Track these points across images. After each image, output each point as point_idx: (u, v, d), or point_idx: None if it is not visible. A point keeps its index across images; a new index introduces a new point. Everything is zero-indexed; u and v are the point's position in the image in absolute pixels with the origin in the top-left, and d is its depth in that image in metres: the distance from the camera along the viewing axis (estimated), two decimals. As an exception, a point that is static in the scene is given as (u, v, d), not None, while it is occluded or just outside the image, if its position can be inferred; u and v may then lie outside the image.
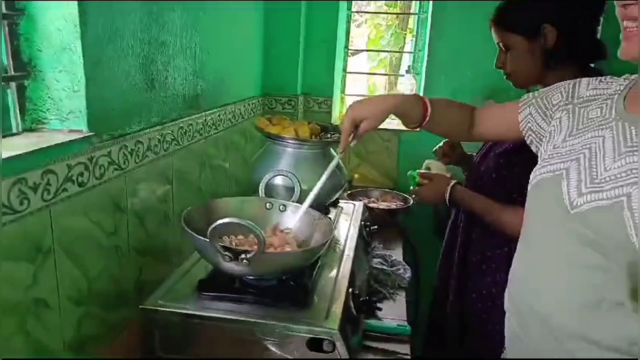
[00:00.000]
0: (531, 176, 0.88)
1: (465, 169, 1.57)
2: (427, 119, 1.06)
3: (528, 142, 1.00)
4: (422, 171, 1.49)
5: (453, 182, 1.35)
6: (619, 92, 0.83)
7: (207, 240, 0.83)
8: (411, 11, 2.52)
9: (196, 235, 0.86)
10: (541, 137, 0.95)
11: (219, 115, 1.57)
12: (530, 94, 1.03)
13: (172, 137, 1.24)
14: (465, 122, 1.12)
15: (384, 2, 3.31)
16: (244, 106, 1.85)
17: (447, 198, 1.33)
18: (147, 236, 1.15)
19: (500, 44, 1.26)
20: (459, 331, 1.37)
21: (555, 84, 0.97)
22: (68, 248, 0.86)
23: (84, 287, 0.92)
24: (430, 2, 2.14)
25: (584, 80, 0.92)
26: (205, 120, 1.46)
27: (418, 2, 2.29)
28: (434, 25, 2.13)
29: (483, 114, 1.12)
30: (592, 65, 1.20)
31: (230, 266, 0.86)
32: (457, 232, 1.40)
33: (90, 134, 0.90)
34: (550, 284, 0.78)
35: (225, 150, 1.66)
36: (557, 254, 0.78)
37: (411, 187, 1.48)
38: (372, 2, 2.68)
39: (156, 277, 1.18)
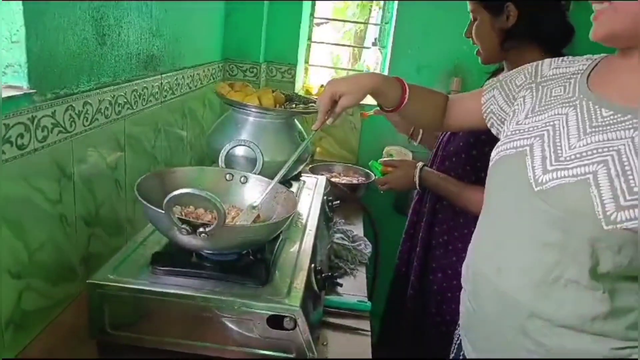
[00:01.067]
0: (493, 153, 0.87)
1: (429, 147, 1.56)
2: (405, 102, 1.02)
3: (489, 125, 0.99)
4: (385, 159, 1.45)
5: (420, 164, 1.34)
6: (582, 71, 0.83)
7: (163, 211, 0.77)
8: (379, -18, 2.46)
9: (150, 205, 0.80)
10: (502, 119, 0.95)
11: (176, 79, 1.48)
12: (495, 78, 1.02)
13: (125, 100, 1.15)
14: (440, 111, 1.09)
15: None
16: (203, 71, 1.75)
17: (417, 182, 1.32)
18: (95, 205, 1.07)
19: (471, 14, 1.23)
20: (420, 309, 1.38)
21: (520, 67, 0.96)
22: (6, 216, 0.78)
23: (25, 258, 0.84)
24: (399, -27, 2.08)
25: (547, 60, 0.92)
26: (162, 83, 1.37)
27: (387, -27, 2.24)
28: (401, -3, 2.09)
29: (453, 104, 1.10)
30: (561, 50, 1.20)
31: (188, 240, 0.81)
32: (422, 211, 1.40)
33: (31, 91, 0.81)
34: (510, 260, 0.79)
35: (182, 117, 1.57)
36: (519, 230, 0.78)
37: (374, 177, 1.45)
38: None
39: (105, 250, 1.11)
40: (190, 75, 1.61)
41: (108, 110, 1.07)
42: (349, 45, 3.05)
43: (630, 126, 0.70)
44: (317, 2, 2.28)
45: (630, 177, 0.66)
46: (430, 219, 1.36)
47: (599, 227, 0.67)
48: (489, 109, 0.98)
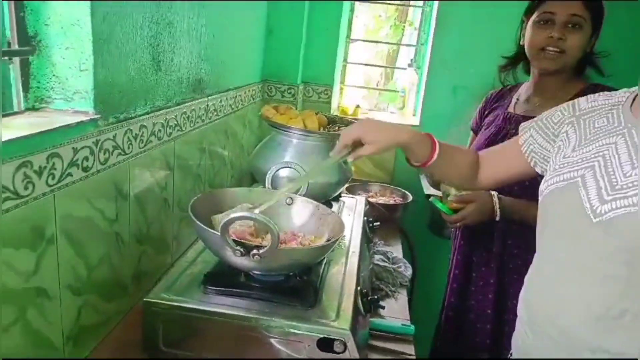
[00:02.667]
0: (541, 187, 0.86)
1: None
2: (433, 160, 0.99)
3: (532, 164, 0.97)
4: (458, 197, 1.33)
5: (495, 194, 1.28)
6: (622, 102, 0.83)
7: (218, 234, 0.79)
8: (415, 4, 2.48)
9: (206, 227, 0.83)
10: (545, 157, 0.94)
11: (220, 101, 1.52)
12: (527, 122, 1.01)
13: (175, 122, 1.20)
14: (470, 169, 1.06)
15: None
16: (244, 92, 1.80)
17: (498, 213, 1.27)
18: (146, 224, 1.11)
19: (573, 18, 1.21)
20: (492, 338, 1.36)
21: (552, 108, 0.96)
22: (71, 235, 0.82)
23: (84, 275, 0.88)
24: (436, -3, 2.10)
25: (582, 97, 0.92)
26: (208, 105, 1.41)
27: (422, -5, 2.26)
28: (438, 20, 2.10)
29: (487, 157, 1.08)
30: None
31: (241, 261, 0.83)
32: (476, 237, 1.39)
33: (96, 116, 0.85)
34: (570, 295, 0.77)
35: (224, 137, 1.62)
36: (579, 263, 0.77)
37: (444, 214, 1.34)
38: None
39: (153, 267, 1.15)
40: (233, 97, 1.65)
41: (161, 132, 1.12)
42: (383, 66, 3.07)
43: None
44: (352, 21, 2.32)
45: None
46: (501, 246, 1.34)
47: None
48: (529, 149, 0.97)
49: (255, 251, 0.80)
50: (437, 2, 2.09)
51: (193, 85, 1.30)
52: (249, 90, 1.85)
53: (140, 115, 1.01)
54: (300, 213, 1.06)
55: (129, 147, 0.97)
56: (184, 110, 1.24)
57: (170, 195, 1.22)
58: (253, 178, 1.63)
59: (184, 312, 0.84)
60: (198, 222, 0.85)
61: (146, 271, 1.12)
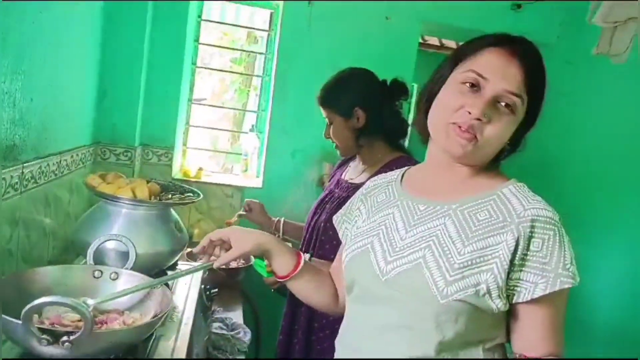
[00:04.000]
0: (343, 255, 0.98)
1: (296, 238, 1.67)
2: (294, 274, 1.00)
3: None
4: None
5: (307, 256, 1.40)
6: (394, 179, 1.01)
7: (19, 322, 0.72)
8: (255, 73, 2.63)
9: (7, 316, 0.74)
10: None
11: (39, 167, 1.39)
12: (337, 214, 1.09)
13: (-22, 194, 1.07)
14: (332, 292, 1.06)
15: (229, 58, 3.40)
16: (71, 156, 1.67)
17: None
18: None
19: (327, 119, 1.43)
20: None
21: (352, 197, 1.08)
22: None
23: None
24: (274, 65, 2.26)
25: (371, 179, 1.08)
26: (23, 173, 1.29)
27: (263, 63, 2.41)
28: (276, 88, 2.26)
29: (335, 270, 1.07)
30: (400, 140, 1.47)
31: (49, 350, 0.75)
32: None
33: None
34: (369, 344, 0.88)
35: (44, 205, 1.47)
36: (372, 321, 0.88)
37: (263, 277, 1.40)
38: (218, 56, 2.74)
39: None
40: (57, 162, 1.53)
41: (-43, 206, 0.98)
42: (227, 130, 3.14)
43: (441, 215, 0.87)
44: (195, 83, 2.36)
45: (449, 255, 0.81)
46: None
47: (437, 302, 0.79)
48: (346, 238, 1.04)
49: (65, 338, 0.74)
50: (275, 68, 2.25)
51: (4, 152, 1.18)
52: (76, 155, 1.73)
53: None
54: (126, 287, 1.00)
55: None
56: (-10, 180, 1.11)
57: (-32, 278, 1.06)
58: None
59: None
60: (-5, 312, 0.75)
61: None
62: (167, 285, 1.06)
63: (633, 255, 1.47)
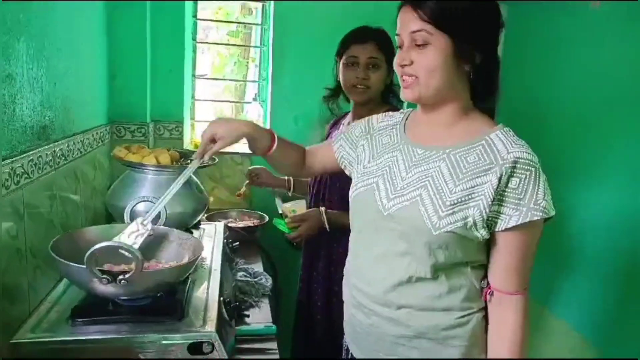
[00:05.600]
0: (350, 191, 1.12)
1: (302, 193, 1.82)
2: (272, 150, 1.19)
3: (342, 167, 1.24)
4: (293, 217, 1.63)
5: (322, 209, 1.57)
6: (398, 123, 1.13)
7: (84, 266, 0.87)
8: (252, 42, 2.72)
9: (70, 262, 0.89)
10: (351, 162, 1.20)
11: (68, 146, 1.54)
12: (339, 130, 1.28)
13: (23, 170, 1.21)
14: (300, 160, 1.29)
15: (225, 32, 3.47)
16: (92, 135, 1.81)
17: (327, 225, 1.56)
18: (1, 275, 1.10)
19: (371, 60, 1.56)
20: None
21: (355, 122, 1.25)
22: None
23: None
24: (271, 35, 2.36)
25: (374, 116, 1.21)
26: (55, 151, 1.43)
27: (259, 34, 2.51)
28: (275, 56, 2.36)
29: (310, 153, 1.31)
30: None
31: (108, 289, 0.91)
32: (318, 242, 1.65)
33: (-60, 170, 0.86)
34: (374, 272, 1.03)
35: (75, 181, 1.62)
36: (377, 247, 1.02)
37: (285, 233, 1.64)
38: (215, 30, 2.82)
39: (10, 320, 1.13)
40: (80, 141, 1.67)
41: (8, 182, 1.13)
42: (231, 101, 3.25)
43: (436, 159, 0.99)
44: (197, 59, 2.47)
45: (442, 194, 0.94)
46: (329, 249, 1.61)
47: (430, 233, 0.93)
48: (340, 155, 1.23)
49: (121, 276, 0.89)
50: (272, 37, 2.35)
51: (38, 132, 1.32)
52: (96, 133, 1.86)
53: (-16, 166, 1.03)
54: (161, 242, 1.16)
55: (-25, 199, 0.98)
56: (31, 157, 1.25)
57: (22, 244, 1.22)
58: (108, 219, 1.66)
59: (54, 346, 0.89)
60: (62, 260, 0.90)
61: (3, 324, 1.10)
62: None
63: (622, 193, 1.60)
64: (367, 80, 1.55)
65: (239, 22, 2.98)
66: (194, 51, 2.42)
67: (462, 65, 0.95)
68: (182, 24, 2.25)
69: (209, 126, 1.14)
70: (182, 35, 2.26)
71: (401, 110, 1.17)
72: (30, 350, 0.87)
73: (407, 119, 1.12)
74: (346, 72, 1.58)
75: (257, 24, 2.51)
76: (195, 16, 2.39)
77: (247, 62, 3.64)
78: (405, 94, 0.99)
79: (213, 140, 1.13)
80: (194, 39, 2.40)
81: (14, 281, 1.17)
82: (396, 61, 0.98)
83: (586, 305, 1.75)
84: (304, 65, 2.34)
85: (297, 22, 2.30)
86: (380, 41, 1.55)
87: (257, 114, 2.51)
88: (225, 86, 3.56)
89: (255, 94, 2.53)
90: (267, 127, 2.43)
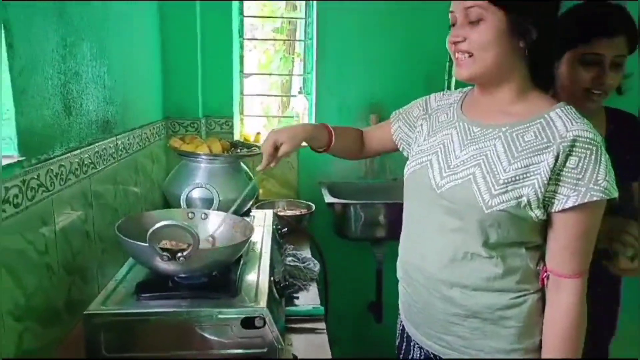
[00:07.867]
0: (405, 170, 1.13)
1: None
2: (332, 143, 1.25)
3: (400, 149, 1.26)
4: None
5: None
6: (457, 101, 1.13)
7: (147, 244, 0.94)
8: (297, 38, 2.78)
9: (135, 241, 0.97)
10: (408, 142, 1.22)
11: (128, 139, 1.64)
12: (395, 112, 1.29)
13: (90, 161, 1.31)
14: (359, 143, 1.34)
15: (271, 29, 3.55)
16: (150, 130, 1.93)
17: None
18: (73, 255, 1.20)
19: (618, 58, 1.19)
20: None
21: (412, 102, 1.25)
22: (8, 266, 0.91)
23: (22, 303, 0.97)
24: (315, 29, 2.40)
25: (432, 95, 1.21)
26: (117, 144, 1.54)
27: (303, 29, 2.56)
28: (319, 50, 2.40)
29: (367, 136, 1.35)
30: None
31: (168, 265, 0.98)
32: None
33: (21, 158, 0.96)
34: (428, 247, 1.03)
35: (135, 172, 1.73)
36: (431, 224, 1.03)
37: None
38: (260, 29, 2.90)
39: (82, 296, 1.24)
40: (139, 135, 1.78)
41: (77, 170, 1.23)
42: (277, 95, 3.33)
43: (491, 137, 0.98)
44: (244, 56, 2.55)
45: (496, 172, 0.94)
46: None
47: (482, 211, 0.93)
48: (398, 137, 1.25)
49: (180, 254, 0.96)
50: (315, 31, 2.39)
51: (102, 126, 1.42)
52: (153, 128, 1.98)
53: (58, 156, 1.13)
54: (215, 224, 1.22)
55: (51, 185, 1.09)
56: (96, 149, 1.36)
57: (91, 228, 1.32)
58: (165, 207, 1.76)
59: (122, 317, 0.97)
60: (127, 239, 0.98)
61: (77, 300, 1.21)
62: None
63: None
64: (609, 85, 1.19)
65: (283, 18, 3.05)
66: (242, 47, 2.50)
67: (517, 41, 0.93)
68: (229, 22, 2.34)
69: (269, 136, 1.19)
70: (230, 34, 2.35)
71: (459, 90, 1.16)
72: (102, 322, 0.95)
73: (465, 97, 1.12)
74: (581, 71, 1.20)
75: (301, 18, 2.56)
76: (242, 14, 2.47)
77: (293, 58, 3.72)
78: (458, 73, 0.98)
79: (275, 148, 1.18)
80: (241, 36, 2.48)
81: (85, 262, 1.28)
82: (449, 39, 0.98)
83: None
84: (347, 57, 2.37)
85: (340, 13, 2.33)
86: (630, 33, 1.18)
87: (302, 106, 2.57)
88: (271, 83, 3.66)
89: (300, 88, 2.59)
90: (313, 118, 2.48)
